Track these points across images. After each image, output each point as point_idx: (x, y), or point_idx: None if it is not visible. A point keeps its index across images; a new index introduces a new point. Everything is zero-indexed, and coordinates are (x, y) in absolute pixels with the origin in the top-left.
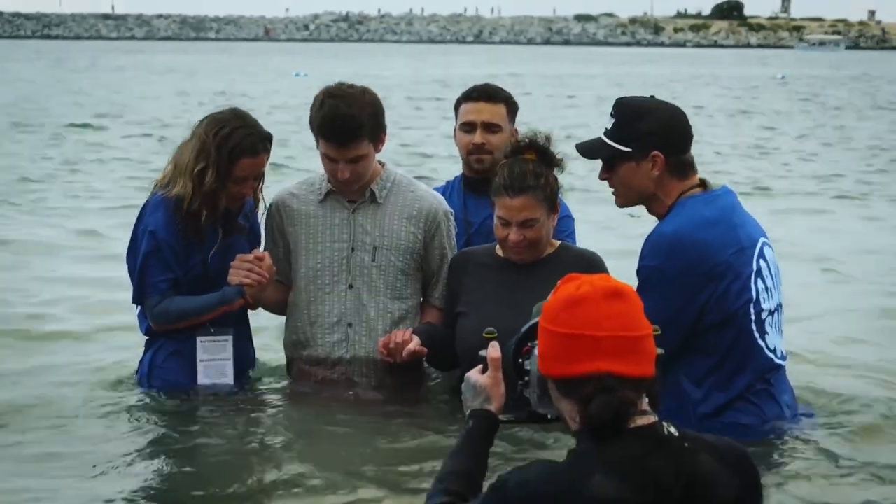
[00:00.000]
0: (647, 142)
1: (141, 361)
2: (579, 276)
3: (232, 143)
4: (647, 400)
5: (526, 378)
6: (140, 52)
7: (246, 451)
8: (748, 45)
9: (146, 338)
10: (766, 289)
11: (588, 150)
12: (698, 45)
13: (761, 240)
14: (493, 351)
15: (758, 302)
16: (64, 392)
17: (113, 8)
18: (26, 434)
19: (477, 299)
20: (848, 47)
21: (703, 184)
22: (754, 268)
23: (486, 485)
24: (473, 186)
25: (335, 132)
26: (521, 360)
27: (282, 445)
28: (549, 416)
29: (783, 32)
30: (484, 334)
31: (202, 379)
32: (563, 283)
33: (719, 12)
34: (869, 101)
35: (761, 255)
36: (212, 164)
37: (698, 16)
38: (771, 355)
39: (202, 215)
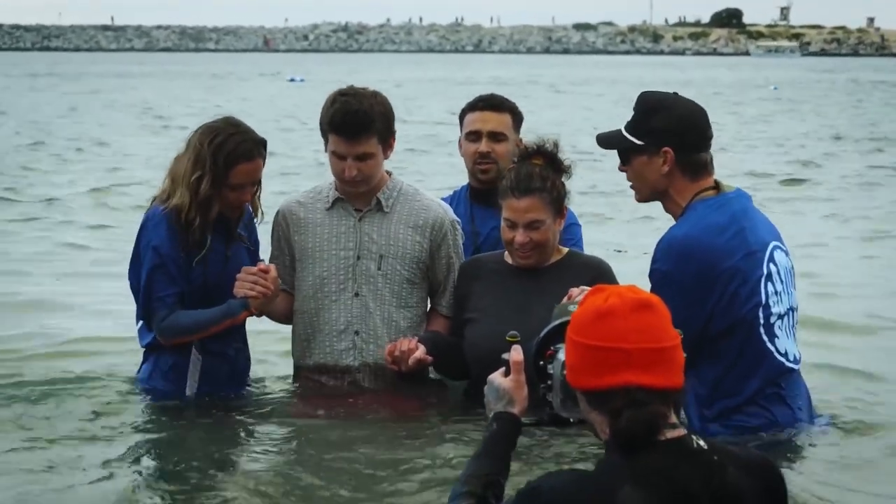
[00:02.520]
0: (659, 137)
1: (139, 372)
2: (606, 287)
3: (227, 149)
4: (675, 411)
5: (549, 381)
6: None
7: (250, 456)
8: (747, 53)
9: (143, 350)
10: (776, 292)
11: (605, 140)
12: (697, 53)
13: (773, 243)
14: (516, 354)
15: (767, 306)
16: (61, 396)
17: (112, 19)
18: (22, 438)
19: (487, 305)
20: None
21: (717, 186)
22: (764, 271)
23: (507, 486)
24: (480, 197)
25: (345, 125)
26: (542, 363)
27: (287, 452)
28: (571, 420)
29: (783, 40)
30: (507, 338)
31: (189, 391)
32: (590, 294)
33: (718, 20)
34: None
35: (771, 259)
36: (208, 171)
37: (697, 24)
38: (781, 359)
39: (197, 222)
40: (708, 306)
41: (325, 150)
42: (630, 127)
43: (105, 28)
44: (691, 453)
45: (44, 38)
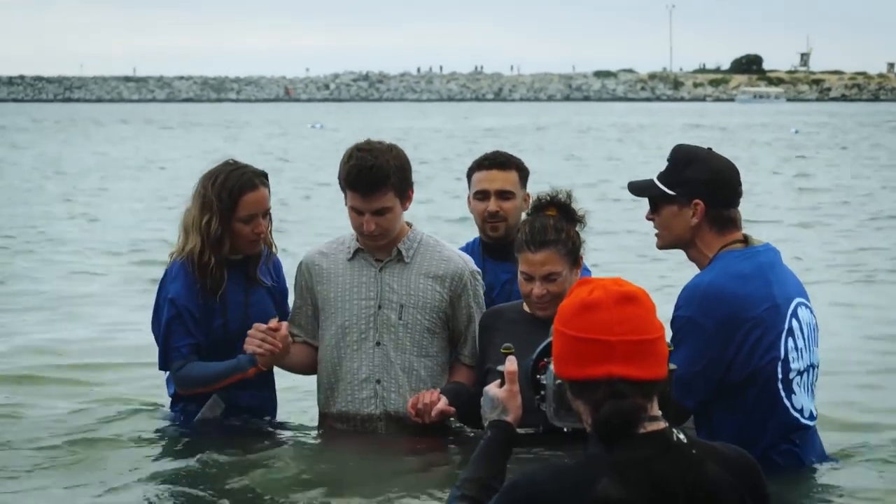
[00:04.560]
0: (692, 189)
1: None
2: (592, 279)
3: (230, 185)
4: (657, 404)
5: (542, 392)
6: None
7: (270, 499)
8: (767, 98)
9: (171, 398)
10: (797, 348)
11: (637, 188)
12: (718, 100)
13: (797, 299)
14: (510, 365)
15: (786, 361)
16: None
17: (134, 70)
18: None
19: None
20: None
21: (745, 240)
22: (786, 326)
23: None
24: (492, 250)
25: (361, 181)
26: (538, 376)
27: (307, 496)
28: (564, 430)
29: (803, 86)
30: (501, 350)
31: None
32: (576, 286)
33: (738, 66)
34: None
35: (795, 315)
36: (215, 212)
37: (717, 70)
38: (797, 415)
39: (212, 263)
40: (729, 353)
41: (345, 204)
42: (663, 177)
43: (127, 79)
44: (671, 447)
45: (65, 90)
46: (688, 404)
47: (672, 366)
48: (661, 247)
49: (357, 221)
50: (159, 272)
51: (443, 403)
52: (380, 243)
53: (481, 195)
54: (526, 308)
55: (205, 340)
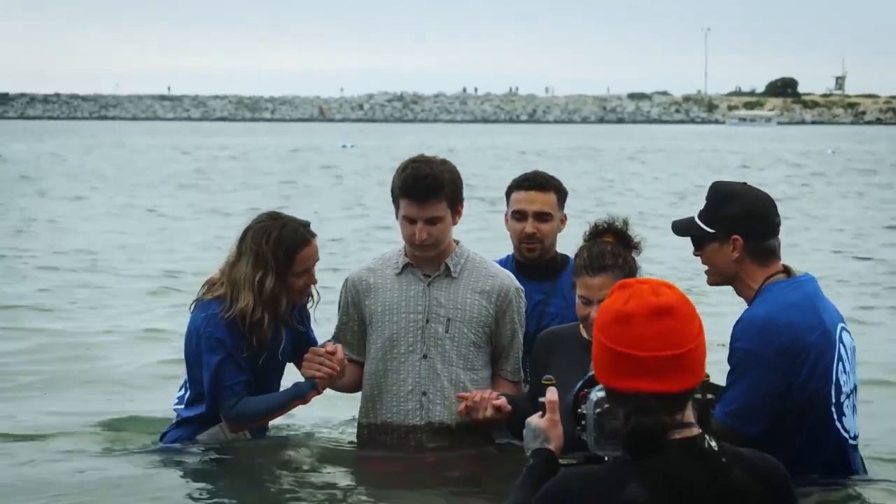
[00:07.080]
0: (729, 225)
1: (162, 439)
2: (630, 283)
3: (285, 242)
4: (690, 411)
5: (583, 423)
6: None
7: None
8: (802, 122)
9: (179, 419)
10: (846, 371)
11: (679, 227)
12: (752, 122)
13: (840, 324)
14: (551, 395)
15: (838, 385)
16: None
17: (169, 89)
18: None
19: (566, 379)
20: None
21: (786, 270)
22: (836, 352)
23: None
24: (525, 270)
25: (416, 189)
26: (578, 410)
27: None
28: (605, 459)
29: (837, 109)
30: (542, 381)
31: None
32: (616, 289)
33: (773, 90)
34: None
35: (840, 339)
36: (270, 269)
37: (752, 93)
38: (846, 436)
39: (265, 321)
40: (787, 381)
41: (396, 217)
42: (702, 215)
43: (162, 98)
44: (700, 454)
45: (101, 108)
46: (752, 431)
47: (709, 395)
48: (711, 283)
49: (409, 230)
50: None
51: (501, 401)
52: (430, 254)
53: (519, 215)
54: (582, 332)
55: (252, 378)
